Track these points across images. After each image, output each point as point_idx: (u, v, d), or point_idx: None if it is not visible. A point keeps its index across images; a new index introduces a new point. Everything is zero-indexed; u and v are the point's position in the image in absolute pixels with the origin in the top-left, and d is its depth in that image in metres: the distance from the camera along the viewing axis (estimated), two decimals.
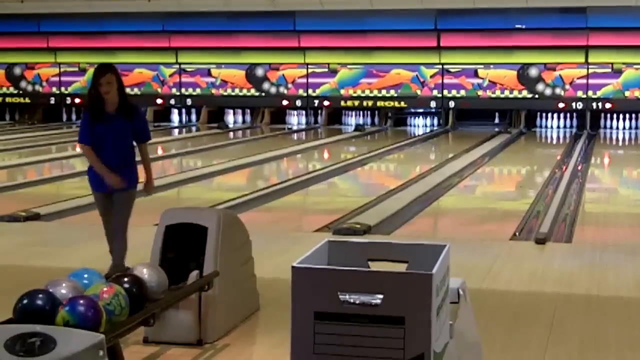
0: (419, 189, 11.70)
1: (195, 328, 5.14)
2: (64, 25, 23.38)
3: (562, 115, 21.43)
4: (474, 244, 8.11)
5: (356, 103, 22.23)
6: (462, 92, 21.57)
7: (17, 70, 24.32)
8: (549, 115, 21.52)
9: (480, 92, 21.48)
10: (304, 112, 22.92)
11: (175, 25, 22.82)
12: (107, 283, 4.33)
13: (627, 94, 20.75)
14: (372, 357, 2.98)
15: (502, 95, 21.39)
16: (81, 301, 3.99)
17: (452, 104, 21.69)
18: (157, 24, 22.87)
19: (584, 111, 21.01)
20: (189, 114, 23.70)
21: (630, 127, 21.01)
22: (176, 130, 22.48)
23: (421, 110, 22.45)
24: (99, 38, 23.29)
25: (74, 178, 13.33)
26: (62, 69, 23.96)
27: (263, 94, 22.72)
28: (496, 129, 21.05)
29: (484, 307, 5.84)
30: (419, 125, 22.22)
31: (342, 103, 22.35)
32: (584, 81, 20.90)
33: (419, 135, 20.84)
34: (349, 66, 22.17)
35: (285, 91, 22.57)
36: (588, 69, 20.85)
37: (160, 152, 17.44)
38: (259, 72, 22.69)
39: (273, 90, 22.65)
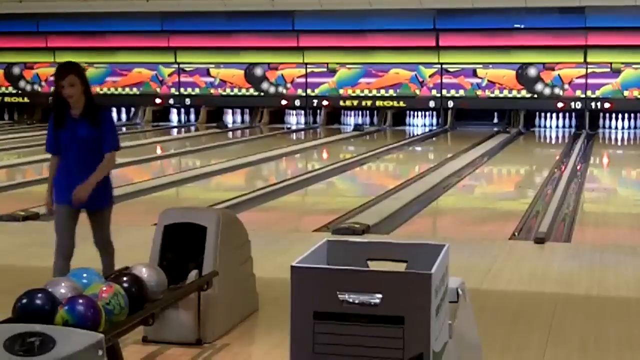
0: (418, 189, 11.70)
1: (194, 328, 5.14)
2: (63, 25, 23.38)
3: (561, 115, 21.43)
4: (473, 244, 8.11)
5: (355, 103, 22.23)
6: (461, 92, 21.57)
7: (16, 70, 24.32)
8: (548, 115, 21.52)
9: (479, 92, 21.48)
10: (302, 111, 22.92)
11: (174, 25, 22.82)
12: (106, 283, 4.33)
13: (626, 93, 20.76)
14: (372, 356, 2.98)
15: (501, 95, 21.39)
16: (80, 301, 3.99)
17: (451, 103, 21.69)
18: (156, 23, 22.87)
19: (583, 111, 21.01)
20: (187, 113, 23.69)
21: (629, 127, 21.00)
22: (175, 130, 22.47)
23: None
24: (97, 38, 23.29)
25: None
26: None
27: (262, 93, 22.72)
28: (495, 129, 21.04)
29: (484, 307, 5.84)
30: (418, 125, 22.21)
31: (341, 103, 22.35)
32: (582, 81, 20.91)
33: (417, 135, 20.84)
34: (347, 66, 22.17)
35: (284, 91, 22.57)
36: (587, 68, 20.85)
37: (159, 151, 17.44)
38: (258, 71, 22.69)
39: (272, 90, 22.65)
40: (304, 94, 22.44)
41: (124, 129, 22.29)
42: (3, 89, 24.43)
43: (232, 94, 22.91)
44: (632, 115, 21.03)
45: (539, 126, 21.60)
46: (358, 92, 22.12)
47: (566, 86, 20.97)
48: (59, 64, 5.76)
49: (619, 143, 19.93)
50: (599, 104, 20.87)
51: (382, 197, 10.99)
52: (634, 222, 9.73)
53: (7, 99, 24.46)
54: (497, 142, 18.39)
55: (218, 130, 21.57)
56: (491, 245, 8.06)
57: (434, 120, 22.13)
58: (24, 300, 4.01)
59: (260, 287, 5.93)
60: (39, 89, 24.21)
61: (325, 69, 22.28)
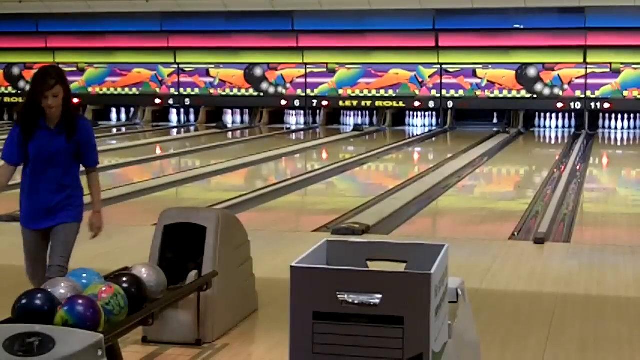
0: (418, 189, 11.70)
1: (194, 328, 5.14)
2: (63, 25, 23.38)
3: (560, 115, 21.43)
4: (472, 244, 8.11)
5: (354, 103, 22.23)
6: (461, 92, 21.57)
7: (16, 70, 24.32)
8: (548, 115, 21.52)
9: (478, 92, 21.48)
10: (302, 112, 22.91)
11: (173, 25, 22.82)
12: (106, 283, 4.33)
13: (625, 93, 20.76)
14: (371, 357, 2.98)
15: (501, 95, 21.39)
16: (80, 301, 3.99)
17: (450, 104, 21.69)
18: (156, 23, 22.87)
19: (583, 111, 21.01)
20: (187, 114, 23.68)
21: (628, 127, 21.00)
22: (175, 130, 22.47)
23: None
24: (97, 38, 23.29)
25: None
26: None
27: (261, 93, 22.72)
28: (495, 129, 21.05)
29: (483, 307, 5.85)
30: (418, 125, 22.21)
31: (341, 103, 22.35)
32: (582, 81, 20.91)
33: (417, 135, 20.84)
34: (347, 66, 22.17)
35: (284, 91, 22.57)
36: (586, 68, 20.85)
37: (158, 152, 17.44)
38: (258, 72, 22.69)
39: (271, 90, 22.64)
40: (303, 94, 22.44)
41: (123, 129, 22.30)
42: (2, 89, 24.43)
43: (231, 94, 22.91)
44: (632, 115, 21.03)
45: (539, 126, 21.61)
46: (357, 92, 22.12)
47: (566, 86, 20.98)
48: (41, 70, 5.02)
49: (619, 143, 19.93)
50: (598, 104, 20.88)
51: (382, 197, 10.99)
52: (633, 222, 9.73)
53: (6, 99, 24.46)
54: (497, 143, 18.40)
55: (218, 130, 21.56)
56: (491, 246, 8.06)
57: (434, 121, 22.13)
58: (24, 301, 4.01)
59: (260, 287, 5.93)
60: None
61: (324, 69, 22.28)
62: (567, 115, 21.41)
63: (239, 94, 22.85)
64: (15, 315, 3.99)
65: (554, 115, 21.48)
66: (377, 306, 2.96)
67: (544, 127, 21.56)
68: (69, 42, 23.60)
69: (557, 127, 21.46)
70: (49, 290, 4.15)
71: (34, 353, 3.72)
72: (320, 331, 3.00)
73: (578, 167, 14.55)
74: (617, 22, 20.41)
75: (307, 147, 18.19)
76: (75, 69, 23.84)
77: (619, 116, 21.09)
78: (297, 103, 22.58)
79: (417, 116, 22.31)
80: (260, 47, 22.43)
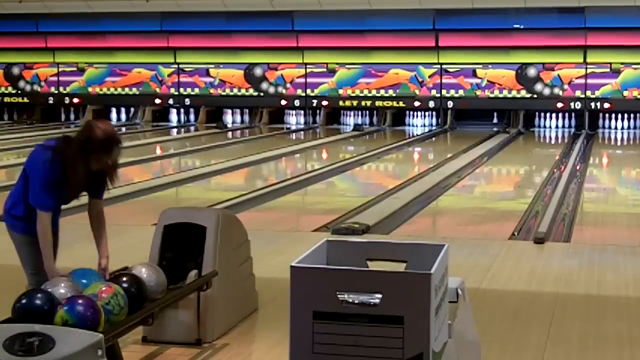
0: (418, 189, 11.70)
1: (194, 327, 5.14)
2: (62, 25, 23.38)
3: (560, 115, 21.43)
4: (472, 244, 8.11)
5: (354, 103, 22.23)
6: (461, 92, 21.57)
7: (16, 70, 24.31)
8: (548, 115, 21.52)
9: (478, 92, 21.48)
10: (302, 112, 22.91)
11: (173, 25, 22.82)
12: (105, 283, 4.33)
13: (625, 93, 20.76)
14: (371, 356, 2.98)
15: (501, 95, 21.39)
16: (80, 301, 3.99)
17: (450, 103, 21.69)
18: (156, 23, 22.86)
19: (583, 111, 21.01)
20: (187, 113, 23.68)
21: (628, 127, 21.01)
22: (174, 130, 22.47)
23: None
24: (97, 38, 23.29)
25: None
26: (60, 69, 23.95)
27: (261, 93, 22.71)
28: (495, 129, 21.05)
29: (483, 306, 5.85)
30: (418, 125, 22.22)
31: (341, 103, 22.35)
32: (582, 81, 20.91)
33: (417, 135, 20.84)
34: (347, 66, 22.17)
35: (284, 91, 22.57)
36: (586, 68, 20.85)
37: (158, 152, 17.44)
38: (258, 72, 22.69)
39: (271, 90, 22.65)
40: (303, 94, 22.44)
41: (123, 129, 22.29)
42: (3, 89, 24.42)
43: (231, 94, 22.91)
44: (632, 115, 21.03)
45: (539, 126, 21.60)
46: (357, 92, 22.12)
47: (566, 86, 20.97)
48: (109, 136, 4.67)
49: (619, 143, 19.93)
50: (598, 104, 20.88)
51: (382, 197, 10.99)
52: (633, 221, 9.73)
53: (6, 99, 24.45)
54: (497, 142, 18.39)
55: (218, 130, 21.56)
56: (491, 245, 8.06)
57: (434, 121, 22.13)
58: (24, 300, 4.01)
59: (260, 287, 5.93)
60: (39, 89, 24.20)
61: (324, 69, 22.27)
62: (567, 115, 21.41)
63: (239, 94, 22.85)
64: (15, 315, 3.99)
65: (554, 115, 21.48)
66: (377, 306, 2.96)
67: (544, 127, 21.56)
68: (69, 42, 23.60)
69: (557, 127, 21.46)
70: (49, 290, 4.15)
71: (34, 353, 3.72)
72: (320, 331, 3.00)
73: (578, 167, 14.55)
74: (617, 22, 20.41)
75: (307, 147, 18.19)
76: (75, 69, 23.85)
77: (619, 116, 21.09)
78: (297, 103, 22.58)
79: (417, 116, 22.31)
80: (260, 47, 22.43)
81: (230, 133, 21.53)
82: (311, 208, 11.22)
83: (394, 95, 21.92)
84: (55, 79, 24.04)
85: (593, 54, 20.73)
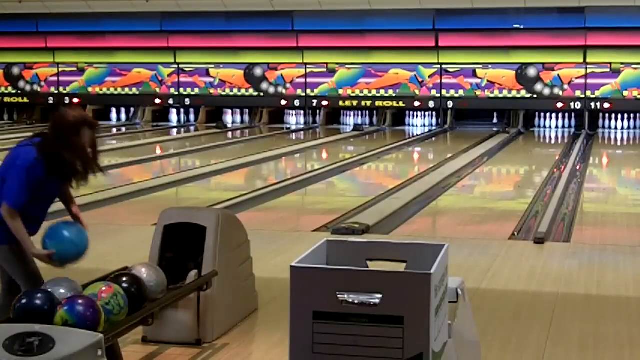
0: (418, 189, 11.70)
1: (194, 327, 5.14)
2: (62, 25, 23.38)
3: (560, 115, 21.43)
4: (472, 244, 8.11)
5: (354, 103, 22.23)
6: (461, 92, 21.57)
7: (16, 70, 24.32)
8: (548, 115, 21.52)
9: (478, 92, 21.48)
10: (302, 112, 22.91)
11: (173, 25, 22.82)
12: (105, 283, 4.33)
13: (625, 93, 20.76)
14: (371, 356, 2.98)
15: (501, 95, 21.39)
16: (80, 301, 3.99)
17: (450, 104, 21.69)
18: (156, 23, 22.87)
19: (583, 111, 21.01)
20: (187, 113, 23.68)
21: (628, 127, 21.01)
22: (174, 130, 22.47)
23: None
24: (97, 38, 23.29)
25: None
26: (60, 69, 23.96)
27: (261, 93, 22.72)
28: (495, 129, 21.05)
29: (483, 306, 5.85)
30: (418, 125, 22.22)
31: (341, 103, 22.35)
32: (582, 81, 20.91)
33: (417, 135, 20.84)
34: (347, 66, 22.17)
35: (284, 91, 22.57)
36: (586, 68, 20.85)
37: (158, 152, 17.44)
38: (258, 72, 22.69)
39: (271, 90, 22.65)
40: (303, 94, 22.44)
41: (123, 129, 22.31)
42: (3, 89, 24.43)
43: (231, 94, 22.91)
44: (632, 115, 21.03)
45: (539, 126, 21.61)
46: (357, 92, 22.12)
47: (566, 86, 20.97)
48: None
49: (619, 143, 19.93)
50: (598, 104, 20.88)
51: (382, 197, 10.99)
52: (633, 221, 9.73)
53: (6, 99, 24.46)
54: (497, 142, 18.39)
55: (217, 130, 21.56)
56: (491, 245, 8.06)
57: (434, 121, 22.13)
58: (24, 300, 4.01)
59: (260, 287, 5.93)
60: (39, 89, 24.21)
61: (324, 69, 22.28)
62: (567, 115, 21.41)
63: (239, 94, 22.85)
64: (15, 315, 3.99)
65: (554, 115, 21.48)
66: (377, 306, 2.96)
67: (544, 127, 21.56)
68: (69, 42, 23.60)
69: (557, 127, 21.46)
70: (49, 290, 4.15)
71: (34, 353, 3.72)
72: (320, 331, 3.00)
73: (578, 167, 14.55)
74: (617, 22, 20.41)
75: (307, 147, 18.19)
76: (75, 69, 23.85)
77: (619, 116, 21.09)
78: (297, 103, 22.58)
79: (417, 116, 22.31)
80: (260, 47, 22.43)
81: (230, 133, 21.53)
82: (311, 208, 11.22)
83: (394, 95, 21.92)
84: (55, 79, 24.04)
85: (593, 54, 20.73)
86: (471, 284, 6.09)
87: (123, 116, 24.00)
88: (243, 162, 14.94)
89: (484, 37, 21.20)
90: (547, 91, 21.10)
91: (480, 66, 21.39)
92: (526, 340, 5.30)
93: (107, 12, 22.71)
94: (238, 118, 23.39)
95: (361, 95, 22.09)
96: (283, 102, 22.61)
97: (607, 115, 21.14)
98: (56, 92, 24.01)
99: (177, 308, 5.10)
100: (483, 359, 4.30)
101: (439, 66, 21.64)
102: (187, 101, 23.24)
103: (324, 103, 22.37)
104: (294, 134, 21.71)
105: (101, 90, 23.67)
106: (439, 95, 21.65)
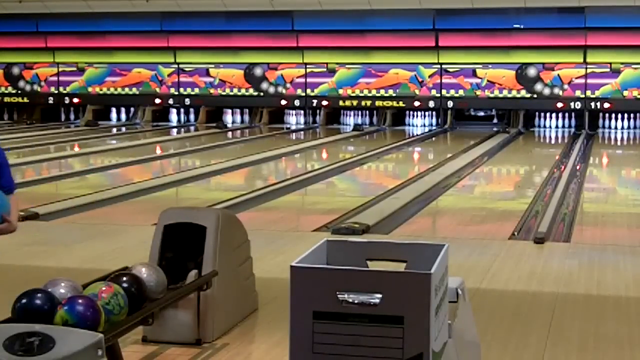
0: (418, 189, 11.70)
1: (194, 327, 5.14)
2: (62, 25, 23.39)
3: (560, 115, 21.43)
4: (472, 244, 8.11)
5: (354, 103, 22.24)
6: (461, 92, 21.58)
7: (16, 70, 24.32)
8: (548, 115, 21.53)
9: (478, 92, 21.49)
10: (302, 111, 22.92)
11: (173, 25, 22.83)
12: (105, 283, 4.33)
13: (625, 93, 20.76)
14: (371, 356, 2.98)
15: (501, 95, 21.39)
16: (80, 301, 3.99)
17: (450, 103, 21.70)
18: (156, 23, 22.87)
19: (583, 111, 21.02)
20: (187, 113, 23.68)
21: (628, 127, 21.01)
22: (174, 130, 22.47)
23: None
24: (97, 38, 23.29)
25: (73, 177, 13.35)
26: (60, 69, 23.96)
27: (261, 93, 22.72)
28: (495, 129, 21.05)
29: (483, 306, 5.85)
30: (418, 125, 22.22)
31: (341, 103, 22.35)
32: (582, 81, 20.91)
33: (417, 135, 20.85)
34: (347, 66, 22.17)
35: (284, 91, 22.57)
36: (586, 68, 20.86)
37: (158, 152, 17.44)
38: (258, 71, 22.70)
39: (271, 90, 22.65)
40: (303, 94, 22.44)
41: (123, 129, 22.31)
42: (2, 89, 24.42)
43: (231, 94, 22.91)
44: (632, 115, 21.03)
45: (539, 126, 21.61)
46: (357, 92, 22.12)
47: (566, 86, 20.98)
48: None
49: (619, 143, 19.94)
50: (598, 104, 20.88)
51: (382, 197, 10.99)
52: (633, 221, 9.73)
53: (6, 99, 24.46)
54: (497, 142, 18.40)
55: (217, 130, 21.57)
56: (491, 245, 8.06)
57: (434, 120, 22.14)
58: (24, 300, 4.01)
59: (260, 287, 5.93)
60: (39, 89, 24.21)
61: (324, 69, 22.28)
62: (567, 115, 21.41)
63: (239, 93, 22.86)
64: (15, 315, 3.99)
65: (554, 115, 21.48)
66: (377, 306, 2.96)
67: (544, 127, 21.57)
68: (69, 42, 23.61)
69: (557, 127, 21.46)
70: (49, 289, 4.15)
71: (34, 352, 3.72)
72: (320, 331, 3.00)
73: (578, 167, 14.55)
74: (617, 22, 20.41)
75: (307, 147, 18.19)
76: (75, 69, 23.85)
77: (619, 116, 21.09)
78: (297, 103, 22.58)
79: (417, 116, 22.32)
80: (260, 47, 22.43)
81: (230, 133, 21.53)
82: (311, 208, 11.22)
83: (394, 95, 21.93)
84: (55, 79, 24.04)
85: (593, 54, 20.74)
86: (471, 284, 6.09)
87: (123, 116, 24.01)
88: (243, 162, 14.94)
89: (484, 37, 21.20)
90: (547, 91, 21.10)
91: (480, 66, 21.40)
92: (526, 340, 5.30)
93: (107, 12, 22.71)
94: (238, 118, 23.39)
95: (361, 95, 22.10)
96: (283, 102, 22.61)
97: (607, 115, 21.14)
98: (56, 92, 24.01)
99: (177, 308, 5.10)
100: (483, 359, 4.29)
101: (439, 66, 21.64)
102: (187, 101, 23.24)
103: (324, 103, 22.38)
104: (294, 133, 21.72)
105: (101, 90, 23.67)
106: (439, 95, 21.66)
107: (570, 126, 21.32)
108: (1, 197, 4.34)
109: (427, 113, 22.19)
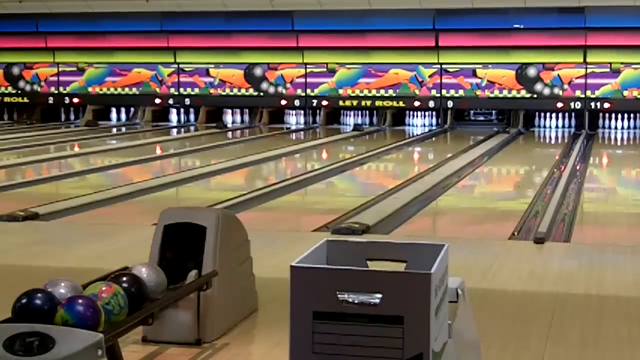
0: (418, 189, 11.70)
1: (194, 327, 5.14)
2: (62, 25, 23.39)
3: (560, 115, 21.44)
4: (472, 244, 8.11)
5: (354, 103, 22.24)
6: (461, 92, 21.58)
7: (16, 70, 24.32)
8: (548, 115, 21.53)
9: (478, 92, 21.49)
10: (302, 111, 22.92)
11: (173, 25, 22.83)
12: (105, 283, 4.33)
13: (625, 93, 20.77)
14: (371, 356, 2.98)
15: (501, 95, 21.39)
16: (80, 300, 3.99)
17: (450, 103, 21.70)
18: (156, 23, 22.87)
19: (583, 111, 21.02)
20: (187, 113, 23.69)
21: (628, 127, 21.01)
22: (174, 130, 22.47)
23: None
24: (97, 38, 23.29)
25: (73, 177, 13.34)
26: (60, 69, 23.96)
27: (261, 93, 22.72)
28: (495, 129, 21.05)
29: (483, 306, 5.84)
30: (418, 125, 22.22)
31: (341, 103, 22.36)
32: (582, 81, 20.91)
33: (417, 135, 20.85)
34: (347, 66, 22.17)
35: (284, 91, 22.57)
36: (586, 68, 20.86)
37: (158, 152, 17.44)
38: (258, 71, 22.70)
39: (271, 90, 22.65)
40: (303, 94, 22.44)
41: (123, 129, 22.31)
42: (2, 89, 24.43)
43: (231, 94, 22.91)
44: (632, 115, 21.03)
45: (539, 126, 21.61)
46: (357, 92, 22.12)
47: (566, 86, 20.98)
48: None
49: (619, 143, 19.94)
50: (598, 104, 20.88)
51: (382, 197, 10.98)
52: (633, 221, 9.73)
53: (6, 99, 24.46)
54: (497, 142, 18.40)
55: (217, 130, 21.57)
56: (491, 245, 8.06)
57: (434, 121, 22.14)
58: (24, 300, 4.01)
59: (260, 287, 5.92)
60: (39, 89, 24.21)
61: (324, 69, 22.28)
62: (567, 115, 21.42)
63: (239, 93, 22.86)
64: (15, 315, 3.99)
65: (554, 115, 21.49)
66: (377, 306, 2.96)
67: (544, 127, 21.57)
68: (69, 42, 23.61)
69: (557, 127, 21.47)
70: (49, 289, 4.15)
71: (34, 352, 3.72)
72: (320, 331, 3.00)
73: (578, 167, 14.55)
74: (617, 22, 20.42)
75: (307, 147, 18.19)
76: (75, 69, 23.85)
77: (619, 116, 21.09)
78: (297, 103, 22.59)
79: (417, 116, 22.32)
80: (260, 47, 22.44)
81: (230, 133, 21.53)
82: (311, 208, 11.22)
83: (394, 95, 21.93)
84: (55, 79, 24.05)
85: (593, 54, 20.74)
86: (471, 283, 6.08)
87: (123, 116, 24.01)
88: (243, 162, 14.95)
89: (484, 37, 21.20)
90: (547, 91, 21.10)
91: (480, 66, 21.40)
92: (526, 340, 5.29)
93: (107, 12, 22.72)
94: (238, 118, 23.40)
95: (361, 95, 22.10)
96: (283, 102, 22.61)
97: (607, 115, 21.14)
98: (56, 92, 24.02)
99: (177, 308, 5.09)
100: (483, 359, 4.29)
101: (439, 66, 21.64)
102: (187, 101, 23.24)
103: (324, 103, 22.38)
104: (294, 133, 21.72)
105: (101, 90, 23.67)
106: (439, 95, 21.66)
107: (570, 126, 21.33)
108: None
109: (427, 113, 22.19)
